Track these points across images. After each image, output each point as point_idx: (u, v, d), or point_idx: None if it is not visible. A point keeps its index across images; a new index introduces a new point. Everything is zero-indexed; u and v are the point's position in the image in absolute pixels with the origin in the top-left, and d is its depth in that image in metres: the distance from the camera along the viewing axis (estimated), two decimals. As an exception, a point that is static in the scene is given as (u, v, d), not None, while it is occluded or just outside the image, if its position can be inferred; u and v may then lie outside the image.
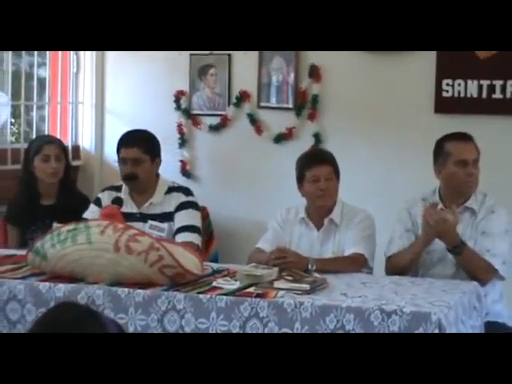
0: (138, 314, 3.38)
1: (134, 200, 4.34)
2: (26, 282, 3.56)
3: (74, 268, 3.53)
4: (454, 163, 3.86)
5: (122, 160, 4.32)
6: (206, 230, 4.80)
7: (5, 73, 5.73)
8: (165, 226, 4.24)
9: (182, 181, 5.20)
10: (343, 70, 5.43)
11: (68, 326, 1.90)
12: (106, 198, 4.36)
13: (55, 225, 3.93)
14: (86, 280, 3.51)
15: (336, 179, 4.06)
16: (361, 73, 5.38)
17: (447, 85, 5.09)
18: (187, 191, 4.41)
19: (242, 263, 3.95)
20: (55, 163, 4.55)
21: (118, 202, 4.15)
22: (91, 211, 4.32)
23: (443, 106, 5.12)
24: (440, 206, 3.89)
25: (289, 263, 3.70)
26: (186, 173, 5.88)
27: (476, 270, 3.75)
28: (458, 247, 3.73)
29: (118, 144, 4.38)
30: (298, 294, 3.34)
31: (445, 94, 5.10)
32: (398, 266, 3.86)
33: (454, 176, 3.87)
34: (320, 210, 4.07)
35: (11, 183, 4.93)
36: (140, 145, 4.28)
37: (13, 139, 5.91)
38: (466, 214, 3.92)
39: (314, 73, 5.47)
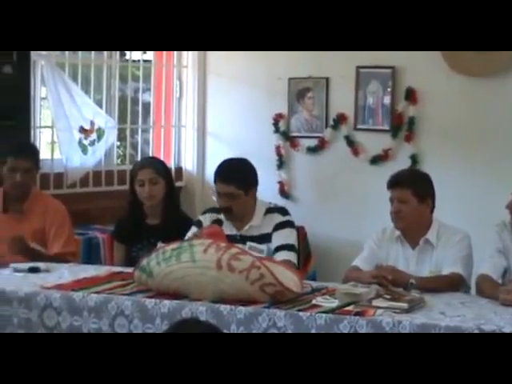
0: (240, 331, 3.42)
1: (233, 223, 4.39)
2: (133, 298, 3.64)
3: (178, 285, 3.61)
4: None
5: (217, 193, 4.36)
6: (304, 250, 4.84)
7: (112, 98, 5.98)
8: (263, 247, 4.27)
9: (280, 201, 5.25)
10: (439, 93, 5.46)
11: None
12: (208, 220, 4.40)
13: (160, 244, 4.02)
14: (190, 297, 3.58)
15: (417, 202, 4.03)
16: (457, 96, 5.40)
17: (547, 107, 5.09)
18: (284, 211, 4.43)
19: (340, 281, 3.98)
20: (149, 187, 4.64)
21: (218, 223, 4.23)
22: (193, 233, 4.33)
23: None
24: None
25: (390, 280, 3.72)
26: (284, 194, 5.98)
27: None
28: None
29: (215, 176, 4.40)
30: (396, 312, 3.35)
31: (544, 117, 5.10)
32: (483, 294, 3.74)
33: None
34: (401, 231, 4.09)
35: (118, 203, 5.12)
36: (235, 181, 4.28)
37: (119, 161, 6.14)
38: None
39: (410, 95, 5.53)
